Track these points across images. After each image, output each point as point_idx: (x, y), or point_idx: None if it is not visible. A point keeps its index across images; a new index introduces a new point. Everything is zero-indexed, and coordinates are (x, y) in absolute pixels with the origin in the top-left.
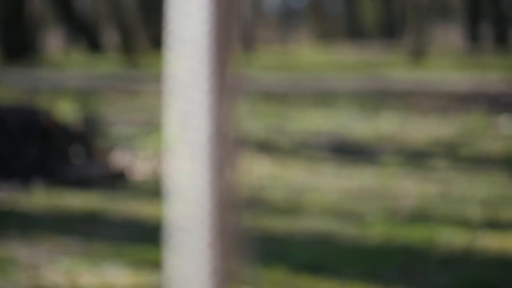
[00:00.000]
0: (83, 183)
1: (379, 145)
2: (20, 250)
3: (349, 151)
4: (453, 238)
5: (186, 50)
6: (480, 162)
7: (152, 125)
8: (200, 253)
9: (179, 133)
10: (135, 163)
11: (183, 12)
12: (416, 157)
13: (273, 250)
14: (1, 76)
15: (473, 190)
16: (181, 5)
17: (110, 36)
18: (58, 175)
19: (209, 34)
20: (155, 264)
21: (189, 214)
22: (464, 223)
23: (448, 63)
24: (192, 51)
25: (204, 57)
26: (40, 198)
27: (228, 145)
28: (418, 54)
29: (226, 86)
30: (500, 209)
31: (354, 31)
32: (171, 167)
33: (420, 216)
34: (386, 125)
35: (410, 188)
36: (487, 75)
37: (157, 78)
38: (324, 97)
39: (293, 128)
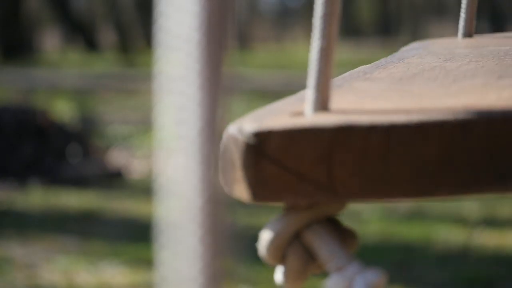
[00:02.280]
0: (79, 182)
1: None
2: (16, 250)
3: None
4: (450, 236)
5: (177, 44)
6: None
7: (148, 124)
8: (191, 249)
9: (170, 128)
10: (131, 162)
11: (173, 6)
12: None
13: None
14: None
15: None
16: None
17: (107, 35)
18: (54, 174)
19: (200, 28)
20: (152, 263)
21: (180, 210)
22: (461, 221)
23: None
24: (183, 45)
25: (195, 51)
26: (36, 197)
27: (219, 140)
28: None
29: (218, 81)
30: (497, 206)
31: (350, 29)
32: (162, 162)
33: (417, 214)
34: None
35: None
36: None
37: (153, 77)
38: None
39: None
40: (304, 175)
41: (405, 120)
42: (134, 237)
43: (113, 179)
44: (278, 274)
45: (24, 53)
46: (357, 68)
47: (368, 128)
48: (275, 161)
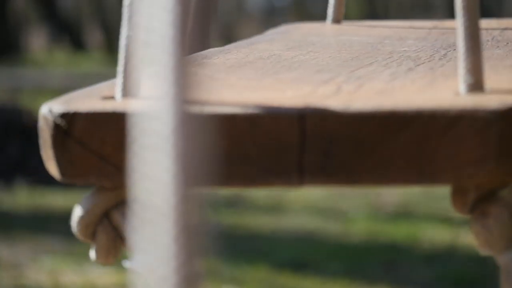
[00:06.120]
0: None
1: None
2: (2, 250)
3: None
4: (436, 235)
5: (151, 40)
6: None
7: None
8: (165, 248)
9: (143, 124)
10: None
11: (148, 1)
12: None
13: (256, 247)
14: None
15: None
16: None
17: (93, 35)
18: (40, 174)
19: (175, 24)
20: None
21: (154, 208)
22: (448, 220)
23: None
24: (157, 41)
25: (169, 48)
26: (22, 197)
27: (193, 137)
28: None
29: (193, 77)
30: None
31: None
32: (135, 159)
33: (403, 213)
34: None
35: None
36: None
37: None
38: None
39: None
40: (106, 158)
41: (197, 111)
42: None
43: None
44: (92, 252)
45: (10, 52)
46: (205, 50)
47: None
48: (80, 143)
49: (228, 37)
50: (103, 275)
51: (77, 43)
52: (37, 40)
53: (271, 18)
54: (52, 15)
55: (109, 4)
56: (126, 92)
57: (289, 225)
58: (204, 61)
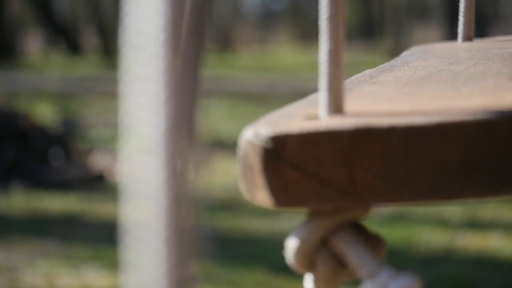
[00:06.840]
0: (62, 185)
1: None
2: None
3: None
4: (432, 238)
5: (142, 43)
6: None
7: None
8: (156, 251)
9: (135, 128)
10: (114, 165)
11: (140, 4)
12: None
13: (252, 251)
14: None
15: None
16: None
17: (89, 38)
18: (36, 177)
19: (166, 27)
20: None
21: (145, 211)
22: (443, 223)
23: None
24: (149, 44)
25: (160, 51)
26: (18, 200)
27: (185, 141)
28: (398, 54)
29: (186, 81)
30: (479, 209)
31: None
32: (127, 162)
33: (399, 216)
34: None
35: None
36: None
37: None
38: (304, 98)
39: None
40: (325, 179)
41: (424, 121)
42: (116, 240)
43: (96, 182)
44: (308, 282)
45: (6, 56)
46: (362, 72)
47: (387, 130)
48: (294, 166)
49: (224, 41)
50: (99, 278)
51: (73, 47)
52: (33, 44)
53: (267, 22)
54: (48, 19)
55: (105, 8)
56: (332, 109)
57: (285, 228)
58: (374, 80)
